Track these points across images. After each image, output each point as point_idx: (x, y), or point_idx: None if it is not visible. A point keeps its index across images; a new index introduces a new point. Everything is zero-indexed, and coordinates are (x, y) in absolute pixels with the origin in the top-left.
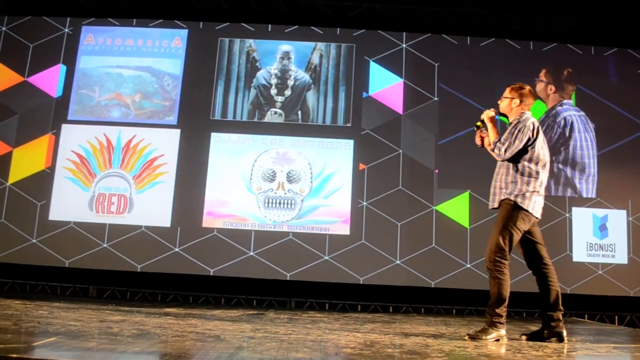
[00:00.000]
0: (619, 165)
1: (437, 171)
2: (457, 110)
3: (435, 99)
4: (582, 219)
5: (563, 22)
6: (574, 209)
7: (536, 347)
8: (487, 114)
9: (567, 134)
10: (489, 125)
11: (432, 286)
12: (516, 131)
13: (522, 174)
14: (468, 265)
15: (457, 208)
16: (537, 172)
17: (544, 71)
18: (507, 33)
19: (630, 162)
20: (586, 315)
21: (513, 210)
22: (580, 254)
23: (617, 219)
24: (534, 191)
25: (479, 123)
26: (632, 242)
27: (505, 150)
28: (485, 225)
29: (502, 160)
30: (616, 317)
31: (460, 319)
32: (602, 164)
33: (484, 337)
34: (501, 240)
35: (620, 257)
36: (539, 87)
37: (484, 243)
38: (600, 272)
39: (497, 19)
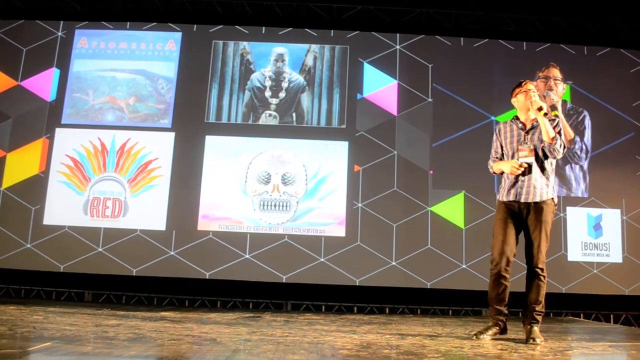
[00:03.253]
0: (612, 164)
1: (431, 172)
2: (451, 111)
3: (430, 100)
4: (576, 219)
5: (556, 22)
6: (568, 208)
7: (531, 346)
8: (544, 106)
9: (590, 134)
10: (546, 118)
11: (428, 287)
12: (560, 129)
13: (553, 172)
14: (464, 266)
15: (452, 209)
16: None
17: (557, 71)
18: (500, 34)
19: (623, 161)
20: (582, 315)
21: (553, 209)
22: (575, 253)
23: (612, 218)
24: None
25: (545, 112)
26: (626, 241)
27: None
28: (480, 225)
29: (555, 158)
30: (611, 315)
31: (457, 320)
32: (596, 163)
33: (540, 336)
34: (547, 243)
35: (615, 256)
36: (562, 87)
37: (479, 243)
38: (595, 271)
39: (490, 19)
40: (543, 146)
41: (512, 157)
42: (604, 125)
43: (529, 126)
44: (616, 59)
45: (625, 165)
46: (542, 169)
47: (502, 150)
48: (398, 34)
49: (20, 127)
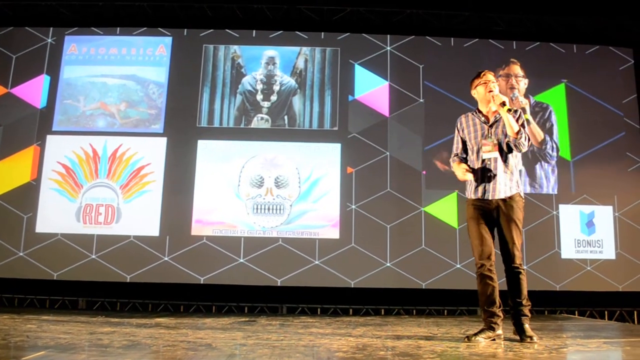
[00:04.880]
0: (603, 161)
1: (424, 172)
2: (442, 111)
3: (421, 100)
4: (569, 216)
5: (545, 21)
6: (560, 206)
7: (527, 344)
8: (505, 100)
9: (555, 131)
10: (509, 113)
11: (423, 287)
12: (522, 121)
13: (518, 165)
14: (458, 266)
15: (445, 209)
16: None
17: (517, 67)
18: (490, 33)
19: (614, 157)
20: (576, 312)
21: (522, 205)
22: (568, 250)
23: (604, 215)
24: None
25: (509, 107)
26: (619, 237)
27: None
28: None
29: (520, 152)
30: (606, 312)
31: (452, 320)
32: (587, 160)
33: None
34: (521, 237)
35: (608, 252)
36: (524, 83)
37: None
38: (588, 268)
39: (480, 19)
40: (508, 140)
41: (477, 152)
42: (594, 122)
43: (492, 119)
44: (605, 57)
45: (616, 162)
46: (507, 164)
47: (463, 145)
48: (388, 35)
49: (10, 134)
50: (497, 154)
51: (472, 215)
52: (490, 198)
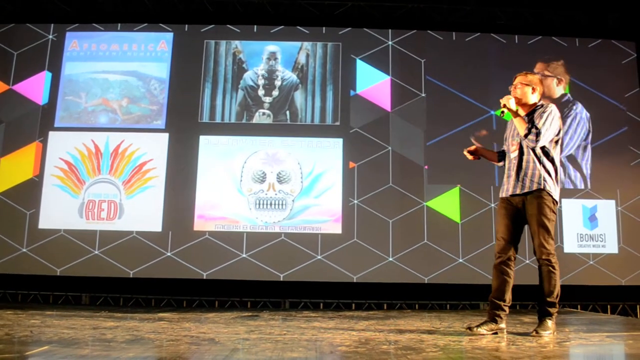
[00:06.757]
0: (606, 156)
1: (426, 167)
2: (444, 105)
3: (423, 95)
4: (572, 210)
5: (547, 14)
6: (563, 200)
7: (529, 338)
8: (510, 100)
9: (589, 129)
10: (513, 111)
11: (426, 282)
12: (551, 118)
13: (549, 163)
14: (460, 260)
15: (447, 203)
16: (559, 161)
17: (543, 65)
18: (492, 27)
19: (617, 152)
20: (579, 306)
21: (549, 201)
22: (571, 245)
23: (607, 209)
24: (556, 179)
25: (503, 109)
26: (621, 231)
27: (542, 137)
28: (476, 219)
29: (533, 148)
30: (608, 306)
31: (454, 314)
32: (590, 154)
33: (550, 329)
34: (549, 233)
35: (611, 246)
36: (549, 81)
37: (476, 237)
38: (591, 262)
39: (481, 13)
40: (521, 139)
41: (508, 150)
42: (598, 116)
43: None
44: (608, 50)
45: (619, 156)
46: (528, 161)
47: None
48: (390, 30)
49: (13, 131)
50: (516, 154)
51: (500, 212)
52: (510, 194)
